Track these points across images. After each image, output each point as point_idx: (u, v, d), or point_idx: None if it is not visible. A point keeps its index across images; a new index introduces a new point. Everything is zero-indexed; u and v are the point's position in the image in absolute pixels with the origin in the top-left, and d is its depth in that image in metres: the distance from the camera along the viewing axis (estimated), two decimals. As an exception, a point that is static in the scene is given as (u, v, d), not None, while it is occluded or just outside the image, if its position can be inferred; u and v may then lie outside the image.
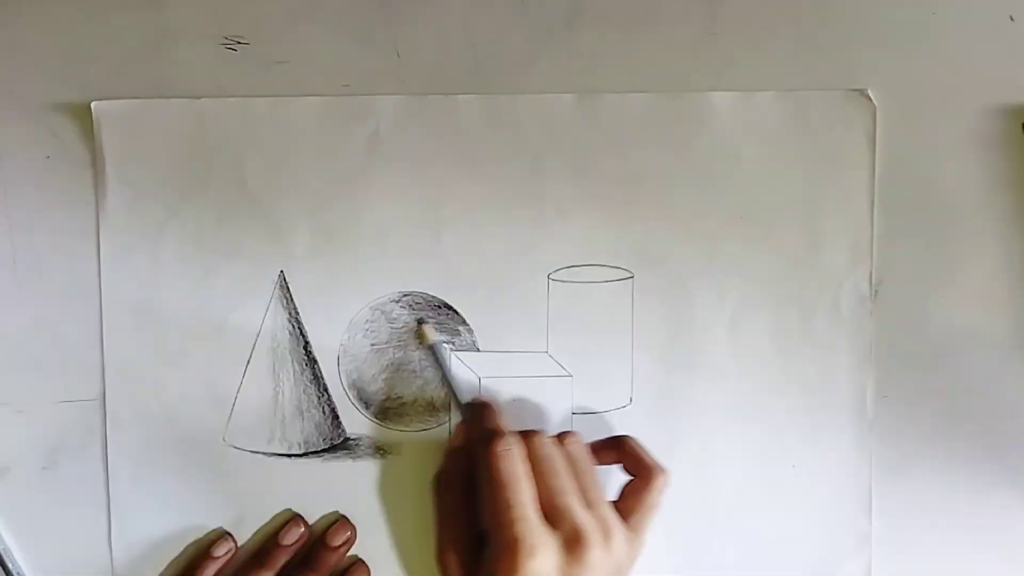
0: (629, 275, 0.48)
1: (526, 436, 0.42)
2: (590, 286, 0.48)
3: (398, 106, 0.47)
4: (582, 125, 0.47)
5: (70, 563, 0.49)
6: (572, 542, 0.39)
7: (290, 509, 0.48)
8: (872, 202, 0.47)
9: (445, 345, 0.47)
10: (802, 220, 0.47)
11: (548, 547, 0.38)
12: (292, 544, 0.47)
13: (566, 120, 0.47)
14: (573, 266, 0.48)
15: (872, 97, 0.46)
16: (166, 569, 0.48)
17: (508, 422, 0.45)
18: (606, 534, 0.40)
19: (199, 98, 0.47)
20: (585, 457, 0.43)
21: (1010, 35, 0.47)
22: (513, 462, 0.41)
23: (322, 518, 0.48)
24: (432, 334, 0.47)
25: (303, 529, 0.47)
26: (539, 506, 0.40)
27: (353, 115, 0.47)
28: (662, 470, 0.43)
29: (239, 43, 0.47)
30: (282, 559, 0.47)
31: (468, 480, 0.42)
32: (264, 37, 0.47)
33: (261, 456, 0.48)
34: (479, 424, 0.44)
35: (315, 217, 0.48)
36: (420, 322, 0.47)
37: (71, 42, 0.48)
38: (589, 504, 0.41)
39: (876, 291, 0.47)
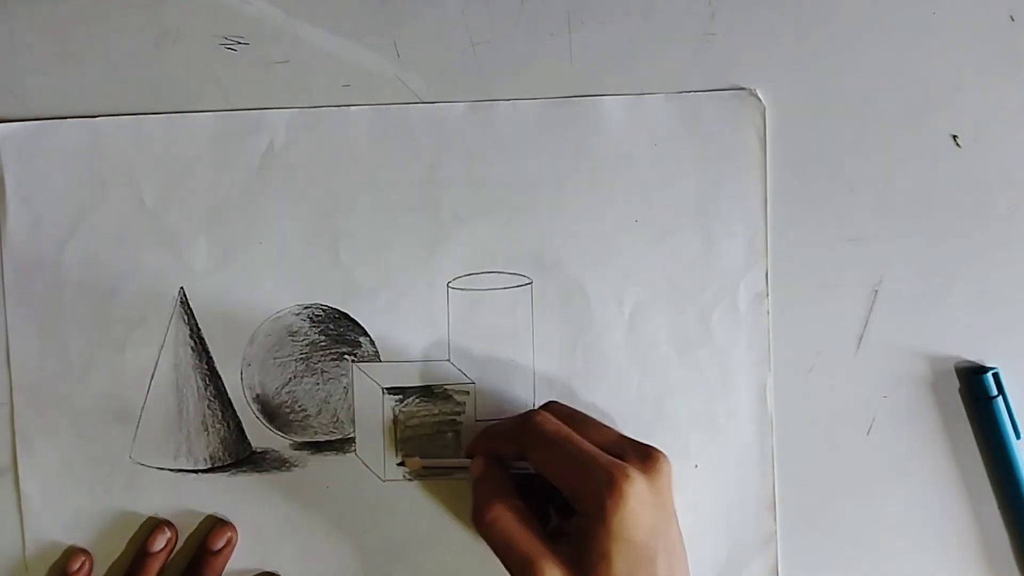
0: (528, 281, 0.48)
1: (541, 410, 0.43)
2: (489, 293, 0.48)
3: (291, 119, 0.47)
4: (475, 133, 0.47)
5: None
6: (646, 460, 0.40)
7: (155, 516, 0.48)
8: (765, 201, 0.47)
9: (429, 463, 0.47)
10: (697, 221, 0.47)
11: (632, 472, 0.38)
12: (161, 550, 0.47)
13: (459, 128, 0.47)
14: (472, 273, 0.48)
15: (761, 97, 0.47)
16: (107, 572, 0.48)
17: None
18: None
19: (109, 115, 0.48)
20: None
21: (1010, 35, 0.47)
22: (555, 423, 0.41)
23: (204, 520, 0.48)
24: (416, 464, 0.47)
25: (169, 534, 0.47)
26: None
27: (246, 130, 0.48)
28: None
29: (239, 43, 0.47)
30: (156, 567, 0.47)
31: (513, 495, 0.42)
32: (264, 37, 0.48)
33: (168, 472, 0.48)
34: (497, 431, 0.44)
35: (212, 233, 0.48)
36: (402, 462, 0.47)
37: (71, 41, 0.48)
38: None
39: (769, 295, 0.47)
